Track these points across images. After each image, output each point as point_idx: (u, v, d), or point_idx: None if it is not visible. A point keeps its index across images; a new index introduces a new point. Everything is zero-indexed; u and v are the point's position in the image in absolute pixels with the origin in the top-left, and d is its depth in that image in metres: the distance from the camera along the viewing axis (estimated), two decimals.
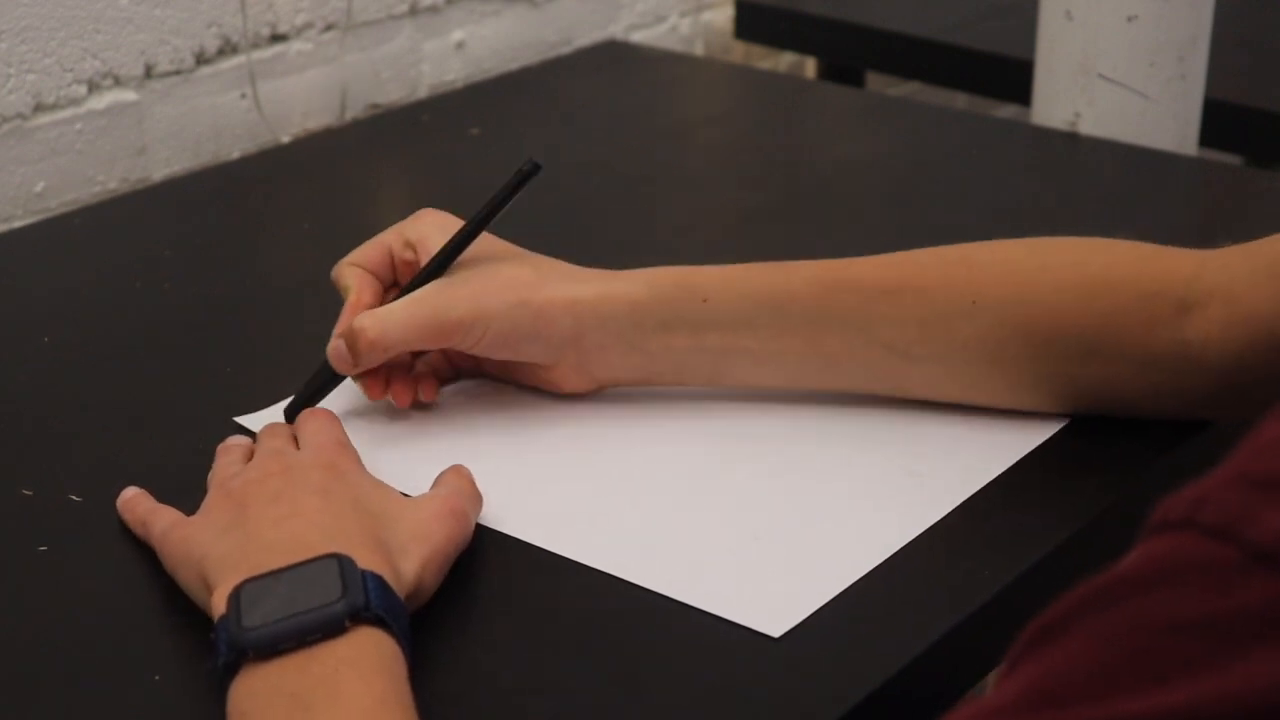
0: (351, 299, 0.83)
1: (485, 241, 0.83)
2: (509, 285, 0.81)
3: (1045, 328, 0.79)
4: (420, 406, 0.85)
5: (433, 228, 0.83)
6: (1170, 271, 0.79)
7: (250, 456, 0.77)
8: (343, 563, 0.65)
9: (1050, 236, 0.82)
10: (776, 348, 0.81)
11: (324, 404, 0.82)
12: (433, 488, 0.75)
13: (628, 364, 0.83)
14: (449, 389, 0.89)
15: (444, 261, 0.82)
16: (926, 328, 0.80)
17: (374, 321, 0.80)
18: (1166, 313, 0.78)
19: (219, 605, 0.65)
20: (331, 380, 0.84)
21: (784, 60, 1.75)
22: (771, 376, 0.83)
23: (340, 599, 0.63)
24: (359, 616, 0.63)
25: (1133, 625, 0.41)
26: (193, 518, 0.72)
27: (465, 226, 0.82)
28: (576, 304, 0.80)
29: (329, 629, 0.62)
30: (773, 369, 0.82)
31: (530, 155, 0.81)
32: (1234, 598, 0.40)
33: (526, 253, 0.84)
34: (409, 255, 0.84)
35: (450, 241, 0.82)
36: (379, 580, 0.65)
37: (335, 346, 0.81)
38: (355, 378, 0.84)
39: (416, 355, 0.86)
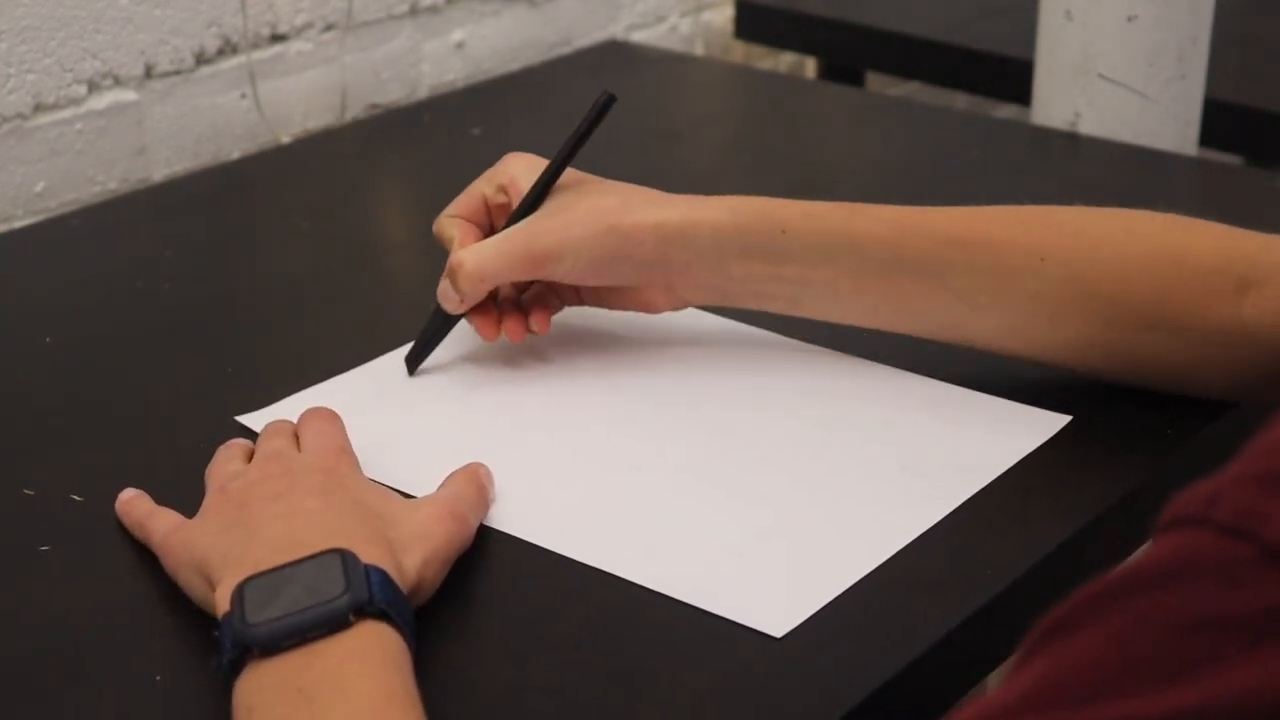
0: (454, 248, 0.86)
1: (572, 176, 0.87)
2: (596, 213, 0.84)
3: (1108, 292, 0.81)
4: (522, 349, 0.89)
5: (521, 169, 0.87)
6: (1234, 249, 0.81)
7: (250, 456, 0.77)
8: (346, 558, 0.65)
9: (1125, 208, 0.84)
10: (850, 284, 0.83)
11: (325, 404, 0.81)
12: (439, 490, 0.75)
13: (711, 285, 0.85)
14: (451, 395, 0.89)
15: (534, 198, 0.86)
16: (994, 279, 0.82)
17: (470, 255, 0.84)
18: (1227, 289, 0.80)
19: (222, 602, 0.65)
20: (445, 323, 0.89)
21: (784, 60, 1.75)
22: (846, 312, 0.85)
23: (344, 594, 0.63)
24: (363, 611, 0.63)
25: (1145, 622, 0.41)
26: (192, 520, 0.72)
27: (551, 164, 0.86)
28: (661, 227, 0.83)
29: (334, 624, 0.62)
30: (847, 304, 0.85)
31: (606, 90, 0.86)
32: (1249, 595, 0.39)
33: (613, 182, 0.87)
34: (502, 199, 0.88)
35: (538, 180, 0.86)
36: (383, 575, 0.65)
37: (442, 286, 0.86)
38: (469, 321, 0.88)
39: (522, 292, 0.90)
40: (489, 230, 0.88)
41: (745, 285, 0.85)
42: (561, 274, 0.85)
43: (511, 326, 0.88)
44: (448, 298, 0.86)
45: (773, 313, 0.87)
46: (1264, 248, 0.81)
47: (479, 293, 0.85)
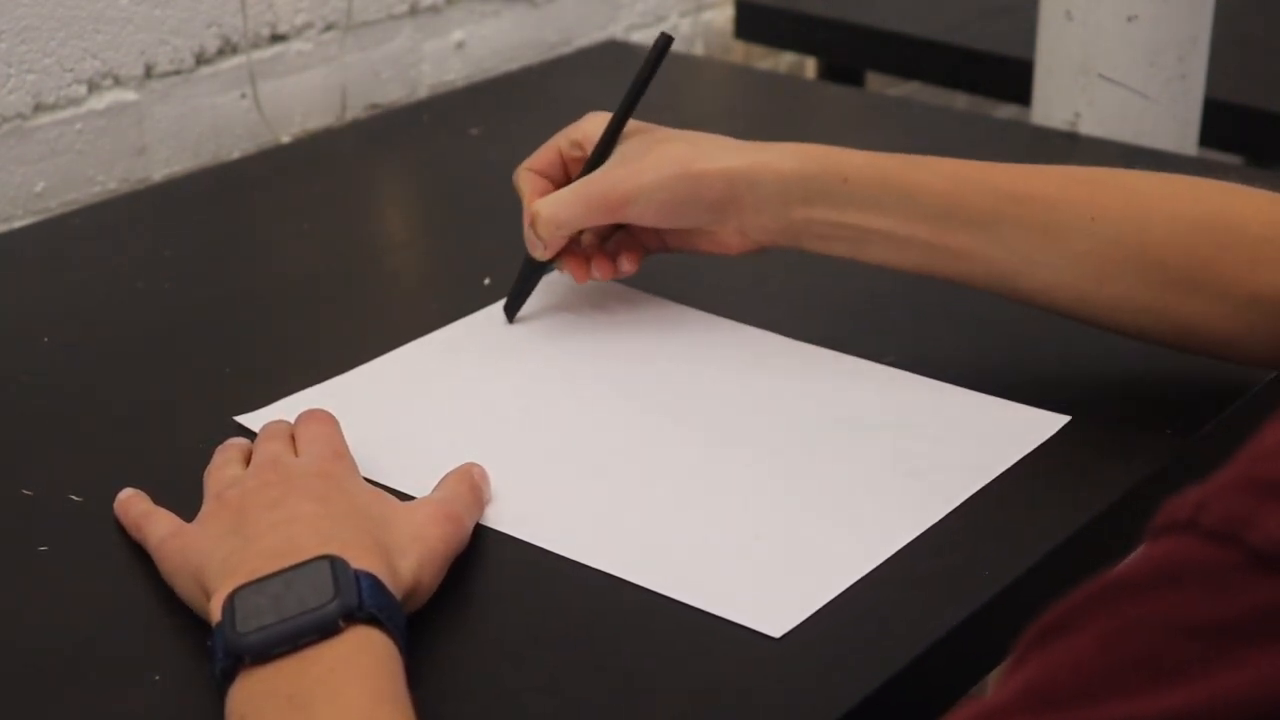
0: (526, 200, 0.91)
1: (642, 125, 0.91)
2: (667, 159, 0.87)
3: (1155, 255, 0.82)
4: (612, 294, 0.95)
5: (595, 125, 0.91)
6: None
7: (248, 457, 0.77)
8: (335, 564, 0.65)
9: (1178, 175, 0.85)
10: (908, 233, 0.85)
11: (325, 405, 0.81)
12: (433, 491, 0.75)
13: (779, 228, 0.88)
14: (451, 395, 0.89)
15: (604, 147, 0.90)
16: (1046, 235, 0.83)
17: (545, 204, 0.89)
18: (1275, 257, 0.80)
19: (215, 611, 0.65)
20: (534, 271, 0.94)
21: (784, 60, 1.75)
22: (904, 259, 0.87)
23: (333, 600, 0.63)
24: (353, 616, 0.63)
25: (1134, 627, 0.41)
26: (189, 526, 0.72)
27: (616, 113, 0.90)
28: (729, 171, 0.86)
29: (324, 630, 0.62)
30: (905, 253, 0.86)
31: (664, 31, 0.91)
32: (1236, 600, 0.40)
33: (682, 131, 0.91)
34: (577, 153, 0.92)
35: (607, 127, 0.90)
36: (372, 580, 0.65)
37: (527, 234, 0.91)
38: (560, 267, 0.93)
39: (605, 240, 0.94)
40: (564, 182, 0.92)
41: (809, 229, 0.87)
42: (634, 217, 0.88)
43: (600, 264, 0.93)
44: (533, 245, 0.91)
45: (839, 256, 0.88)
46: None
47: (558, 239, 0.90)
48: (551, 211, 0.89)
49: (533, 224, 0.90)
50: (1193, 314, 0.82)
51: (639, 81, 0.91)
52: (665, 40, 0.90)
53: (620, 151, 0.90)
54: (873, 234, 0.86)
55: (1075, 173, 0.86)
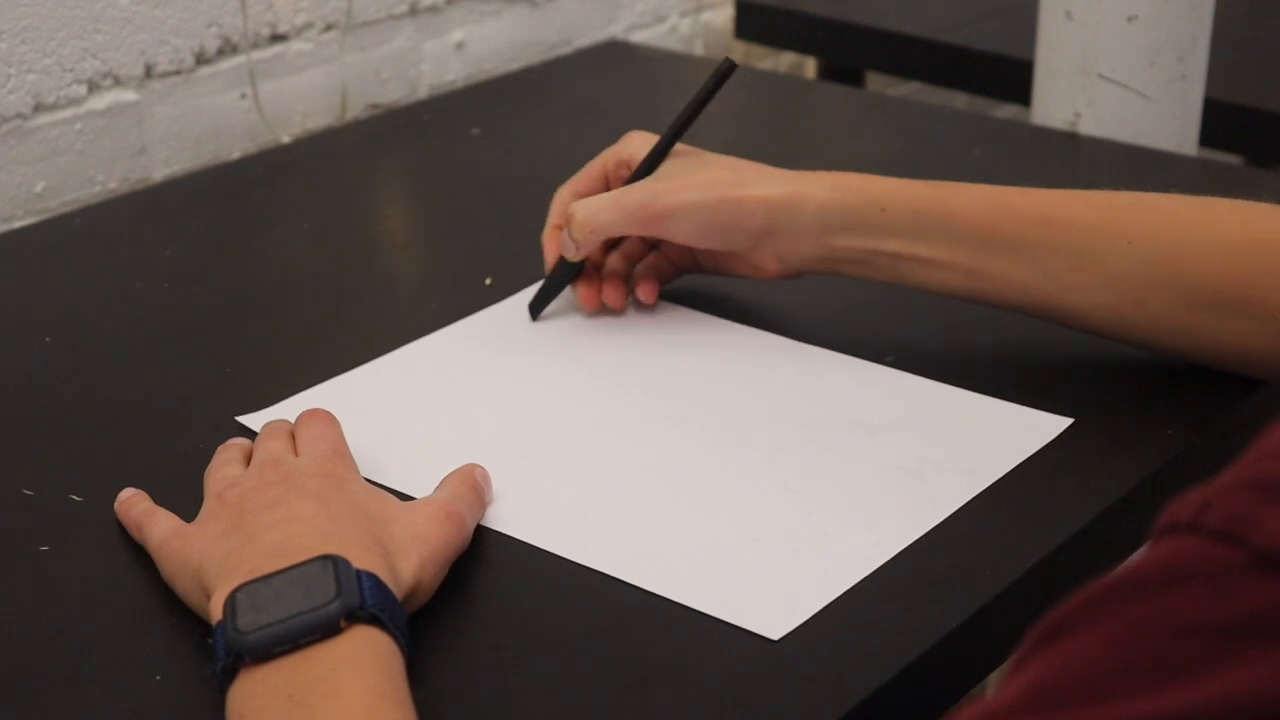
0: (553, 218, 0.95)
1: (687, 147, 0.93)
2: (709, 183, 0.89)
3: (1193, 277, 0.82)
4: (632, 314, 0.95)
5: (640, 144, 0.93)
6: None
7: (248, 457, 0.77)
8: (337, 563, 0.65)
9: (1215, 197, 0.86)
10: (946, 259, 0.86)
11: (325, 405, 0.81)
12: (435, 491, 0.75)
13: (816, 255, 0.89)
14: (451, 395, 0.89)
15: (651, 164, 0.91)
16: (1081, 260, 0.84)
17: (582, 206, 0.91)
18: None
19: (216, 610, 0.65)
20: (566, 271, 0.94)
21: (784, 60, 1.75)
22: (942, 284, 0.88)
23: (335, 599, 0.63)
24: (354, 616, 0.63)
25: (1136, 627, 0.41)
26: (190, 526, 0.72)
27: (668, 130, 0.91)
28: (769, 200, 0.88)
29: (325, 629, 0.62)
30: (943, 278, 0.88)
31: (727, 56, 0.93)
32: (1238, 600, 0.40)
33: (726, 156, 0.92)
34: (624, 173, 0.93)
35: (657, 144, 0.92)
36: (374, 579, 0.65)
37: (561, 236, 0.93)
38: (575, 290, 0.95)
39: (633, 264, 0.96)
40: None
41: (847, 257, 0.89)
42: (670, 233, 0.90)
43: (612, 293, 0.94)
44: (565, 246, 0.92)
45: (877, 281, 0.90)
46: None
47: (592, 242, 0.91)
48: (588, 214, 0.90)
49: (568, 225, 0.91)
50: (1232, 335, 0.83)
51: (694, 104, 0.92)
52: (729, 66, 0.91)
53: (664, 169, 0.91)
54: (910, 260, 0.87)
55: (1113, 197, 0.86)
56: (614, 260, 0.96)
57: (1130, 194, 0.87)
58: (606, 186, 0.94)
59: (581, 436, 0.84)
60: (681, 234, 0.89)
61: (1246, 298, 0.81)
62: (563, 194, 0.95)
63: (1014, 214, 0.85)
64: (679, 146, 0.92)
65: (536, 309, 0.95)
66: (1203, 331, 0.83)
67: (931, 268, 0.87)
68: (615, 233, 0.91)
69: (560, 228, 0.94)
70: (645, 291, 0.95)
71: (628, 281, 0.96)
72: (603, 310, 0.95)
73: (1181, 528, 0.42)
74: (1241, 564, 0.40)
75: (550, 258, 0.95)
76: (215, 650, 0.64)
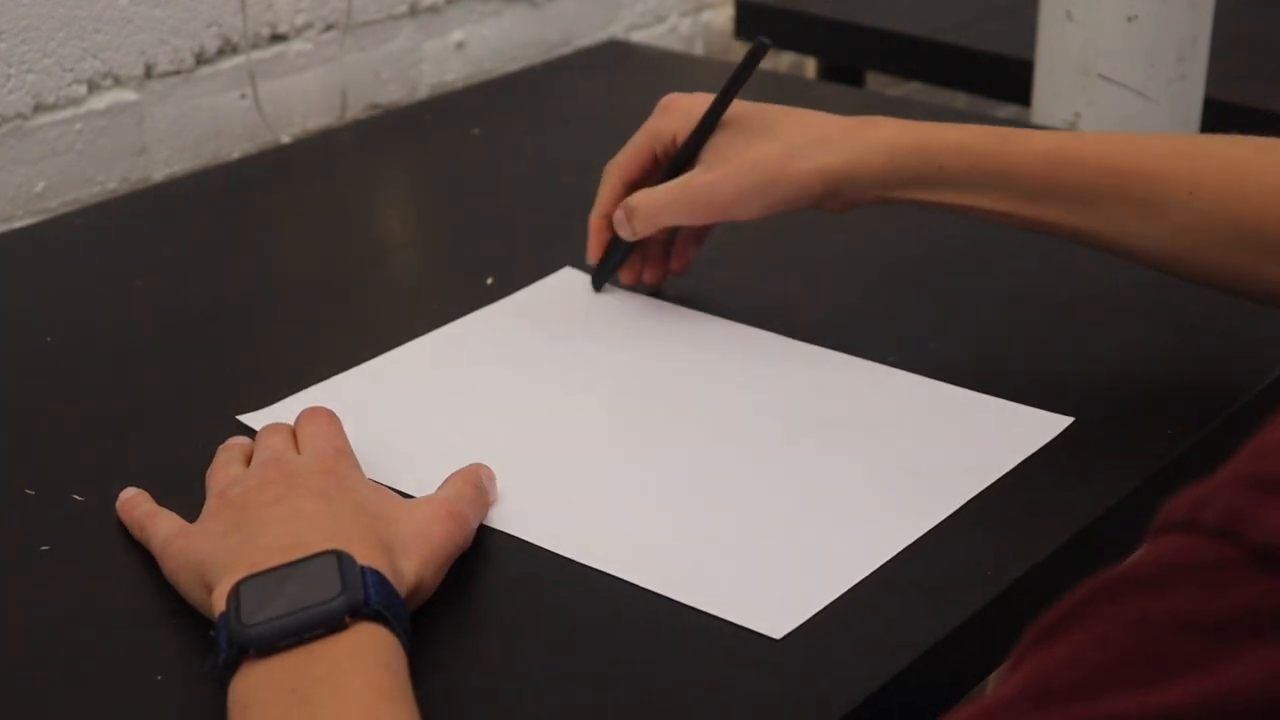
0: (603, 201, 0.95)
1: (736, 115, 0.92)
2: (761, 162, 0.89)
3: (1253, 222, 0.82)
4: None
5: (685, 119, 0.93)
6: None
7: (250, 456, 0.77)
8: (342, 559, 0.65)
9: (1275, 139, 0.85)
10: (1005, 210, 0.87)
11: (325, 404, 0.81)
12: (438, 489, 0.75)
13: (878, 199, 0.90)
14: (451, 395, 0.89)
15: (695, 145, 0.92)
16: (1144, 209, 0.84)
17: (644, 202, 0.92)
18: None
19: (219, 603, 0.65)
20: (621, 248, 0.96)
21: (784, 60, 1.75)
22: (1001, 224, 0.88)
23: (339, 595, 0.63)
24: (359, 612, 0.63)
25: (1133, 624, 0.41)
26: (192, 525, 0.72)
27: (708, 112, 0.92)
28: (826, 171, 0.88)
29: (329, 625, 0.62)
30: (1003, 223, 0.88)
31: (760, 37, 0.93)
32: (1235, 597, 0.40)
33: (768, 118, 0.92)
34: (673, 150, 0.93)
35: (696, 128, 0.92)
36: (378, 576, 0.65)
37: (616, 217, 0.94)
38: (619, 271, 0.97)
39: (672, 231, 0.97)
40: (652, 177, 0.94)
41: (909, 202, 0.89)
42: (734, 217, 0.91)
43: (652, 272, 0.97)
44: (621, 227, 0.94)
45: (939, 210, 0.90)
46: None
47: (650, 231, 0.93)
48: (651, 210, 0.92)
49: (629, 215, 0.92)
50: None
51: (732, 85, 0.92)
52: (761, 45, 0.92)
53: (714, 147, 0.91)
54: (972, 210, 0.88)
55: (1173, 143, 0.86)
56: (655, 235, 0.97)
57: (1192, 139, 0.87)
58: (655, 165, 0.95)
59: (582, 435, 0.84)
60: (745, 215, 0.91)
61: None
62: (612, 178, 0.96)
63: (1075, 166, 0.85)
64: (729, 111, 0.92)
65: (600, 280, 0.98)
66: (1259, 275, 0.83)
67: (991, 215, 0.87)
68: (676, 223, 0.93)
69: (608, 214, 0.95)
70: (679, 260, 0.97)
71: (667, 255, 0.98)
72: (639, 285, 0.98)
73: (1178, 525, 0.42)
74: (1237, 560, 0.40)
75: (596, 241, 0.96)
76: (217, 643, 0.63)
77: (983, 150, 0.87)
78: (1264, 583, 0.39)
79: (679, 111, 0.94)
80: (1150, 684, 0.40)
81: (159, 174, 1.25)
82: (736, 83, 0.92)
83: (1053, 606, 0.44)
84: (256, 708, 0.61)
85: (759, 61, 0.93)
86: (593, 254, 0.97)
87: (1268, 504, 0.40)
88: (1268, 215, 0.82)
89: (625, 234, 0.94)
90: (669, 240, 0.98)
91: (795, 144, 0.89)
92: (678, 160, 0.93)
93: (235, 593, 0.64)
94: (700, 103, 0.93)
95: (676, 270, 0.98)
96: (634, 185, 0.95)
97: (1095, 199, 0.84)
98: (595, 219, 0.96)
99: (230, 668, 0.63)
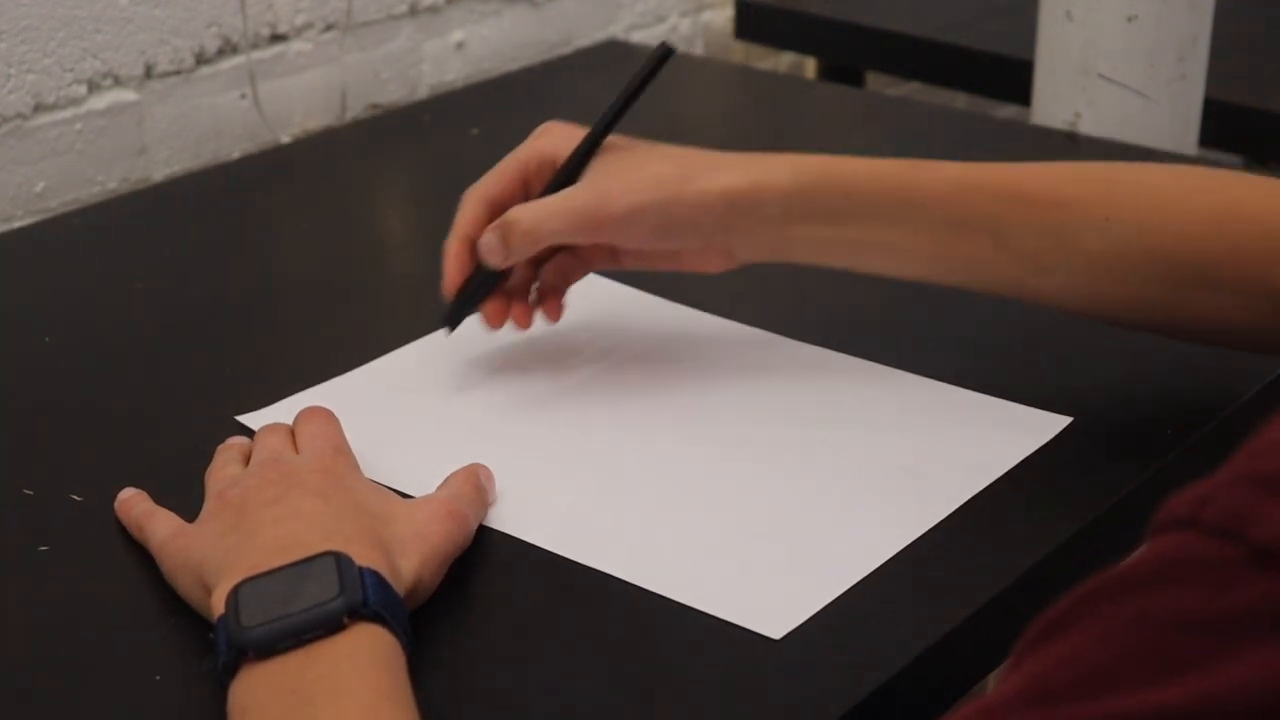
0: (461, 226, 0.85)
1: (620, 139, 0.85)
2: (659, 180, 0.82)
3: (1173, 252, 0.79)
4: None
5: (563, 140, 0.85)
6: None
7: (248, 456, 0.77)
8: (340, 560, 0.65)
9: (1192, 165, 0.84)
10: (912, 244, 0.82)
11: (322, 404, 0.81)
12: (438, 489, 0.75)
13: (771, 246, 0.84)
14: (451, 395, 0.89)
15: (581, 158, 0.84)
16: (1058, 238, 0.80)
17: (528, 213, 0.82)
18: None
19: (218, 605, 0.65)
20: (486, 280, 0.85)
21: (784, 60, 1.75)
22: (904, 269, 0.84)
23: (338, 596, 0.63)
24: (357, 613, 0.63)
25: (1134, 623, 0.41)
26: (191, 526, 0.72)
27: (599, 121, 0.84)
28: (729, 192, 0.82)
29: (328, 626, 0.62)
30: (907, 263, 0.84)
31: (664, 41, 0.86)
32: (1235, 596, 0.40)
33: (663, 147, 0.85)
34: (546, 172, 0.85)
35: (586, 138, 0.84)
36: (377, 577, 0.65)
37: (487, 239, 0.83)
38: (479, 309, 0.87)
39: (538, 265, 0.88)
40: (520, 199, 0.86)
41: (805, 246, 0.84)
42: (622, 238, 0.83)
43: (520, 311, 0.87)
44: (492, 251, 0.83)
45: (833, 268, 0.85)
46: None
47: (527, 253, 0.84)
48: (534, 223, 0.82)
49: (506, 232, 0.82)
50: (1210, 308, 0.80)
51: (628, 92, 0.85)
52: (665, 51, 0.85)
53: (599, 167, 0.84)
54: (875, 246, 0.83)
55: (1087, 170, 0.83)
56: (520, 270, 0.87)
57: (1105, 165, 0.84)
58: (525, 188, 0.86)
59: (581, 436, 0.84)
60: (634, 238, 0.83)
61: (1221, 272, 0.79)
62: (472, 199, 0.86)
63: (985, 193, 0.81)
64: (610, 140, 0.85)
65: (454, 320, 0.87)
66: (1179, 307, 0.81)
67: (895, 252, 0.82)
68: (561, 241, 0.83)
69: (471, 238, 0.85)
70: (552, 311, 0.88)
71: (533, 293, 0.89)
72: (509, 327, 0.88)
73: (1179, 523, 0.42)
74: (1239, 560, 0.40)
75: (454, 270, 0.86)
76: (217, 645, 0.63)
77: (891, 177, 0.82)
78: (1265, 583, 0.39)
79: (558, 134, 0.86)
80: (1150, 683, 0.40)
81: (159, 174, 1.25)
82: (636, 88, 0.85)
83: (1052, 605, 0.44)
84: (256, 710, 0.61)
85: (661, 67, 0.85)
86: (449, 286, 0.86)
87: (1269, 503, 0.40)
88: (1187, 242, 0.79)
89: (496, 259, 0.83)
90: (533, 278, 0.88)
91: (694, 166, 0.83)
92: (559, 178, 0.84)
93: (234, 595, 0.64)
94: (581, 130, 0.85)
95: (551, 318, 0.87)
96: (498, 210, 0.85)
97: (1007, 228, 0.80)
98: (453, 243, 0.86)
99: (230, 670, 0.63)
